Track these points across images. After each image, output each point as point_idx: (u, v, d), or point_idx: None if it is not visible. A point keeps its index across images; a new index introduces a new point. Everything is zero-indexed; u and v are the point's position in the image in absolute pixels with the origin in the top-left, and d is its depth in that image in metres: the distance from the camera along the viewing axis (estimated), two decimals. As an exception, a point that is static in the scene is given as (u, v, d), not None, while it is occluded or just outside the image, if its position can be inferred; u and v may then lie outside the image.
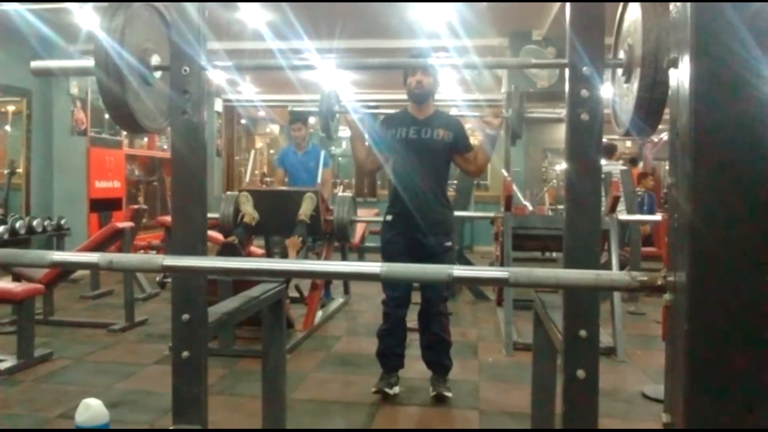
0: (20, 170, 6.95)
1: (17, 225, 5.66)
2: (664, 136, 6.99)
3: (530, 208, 6.33)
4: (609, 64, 1.50)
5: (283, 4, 5.76)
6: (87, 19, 5.83)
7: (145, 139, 9.54)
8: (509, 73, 7.49)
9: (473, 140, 3.27)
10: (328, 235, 4.73)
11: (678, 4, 0.93)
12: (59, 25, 6.20)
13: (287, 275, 2.55)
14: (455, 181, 6.64)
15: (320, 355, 3.97)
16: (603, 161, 5.43)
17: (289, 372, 2.43)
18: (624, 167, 6.54)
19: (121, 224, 5.07)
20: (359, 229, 5.16)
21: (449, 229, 3.19)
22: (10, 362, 3.53)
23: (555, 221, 4.96)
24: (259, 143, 14.70)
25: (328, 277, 4.60)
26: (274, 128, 14.35)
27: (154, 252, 6.76)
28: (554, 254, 6.18)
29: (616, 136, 4.14)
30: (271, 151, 14.27)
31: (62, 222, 6.37)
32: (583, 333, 1.36)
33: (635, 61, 1.39)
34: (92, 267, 1.31)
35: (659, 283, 1.04)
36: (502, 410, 3.05)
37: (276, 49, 6.40)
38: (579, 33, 1.37)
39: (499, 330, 4.41)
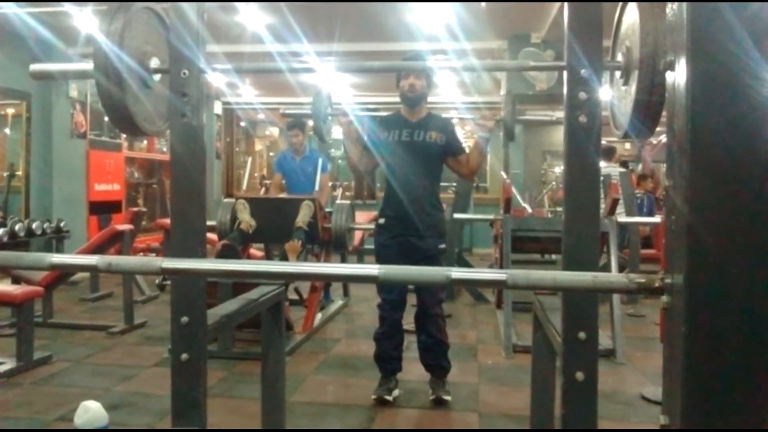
0: (20, 173, 6.97)
1: (17, 227, 5.65)
2: (663, 138, 7.00)
3: (529, 210, 6.33)
4: (607, 67, 1.50)
5: (282, 6, 5.76)
6: (86, 22, 5.83)
7: (145, 142, 9.56)
8: (508, 76, 7.49)
9: (467, 142, 3.28)
10: (326, 243, 4.72)
11: (674, 5, 0.92)
12: (58, 28, 6.19)
13: (286, 278, 2.55)
14: (454, 184, 6.65)
15: (319, 358, 3.97)
16: (602, 163, 5.47)
17: (288, 374, 2.43)
18: (623, 169, 6.54)
19: (120, 227, 5.07)
20: (358, 232, 5.15)
21: (443, 231, 3.20)
22: (9, 365, 3.53)
23: (554, 223, 4.95)
24: (258, 146, 14.70)
25: (327, 280, 4.59)
26: (274, 131, 14.35)
27: (154, 254, 6.76)
28: (554, 256, 6.19)
29: (615, 139, 4.15)
30: (271, 154, 14.26)
31: (62, 224, 6.36)
32: (582, 335, 1.36)
33: (633, 64, 1.39)
34: (91, 269, 1.31)
35: (657, 285, 1.04)
36: (502, 412, 3.05)
37: (275, 52, 6.41)
38: (577, 35, 1.37)
39: (499, 332, 4.42)
